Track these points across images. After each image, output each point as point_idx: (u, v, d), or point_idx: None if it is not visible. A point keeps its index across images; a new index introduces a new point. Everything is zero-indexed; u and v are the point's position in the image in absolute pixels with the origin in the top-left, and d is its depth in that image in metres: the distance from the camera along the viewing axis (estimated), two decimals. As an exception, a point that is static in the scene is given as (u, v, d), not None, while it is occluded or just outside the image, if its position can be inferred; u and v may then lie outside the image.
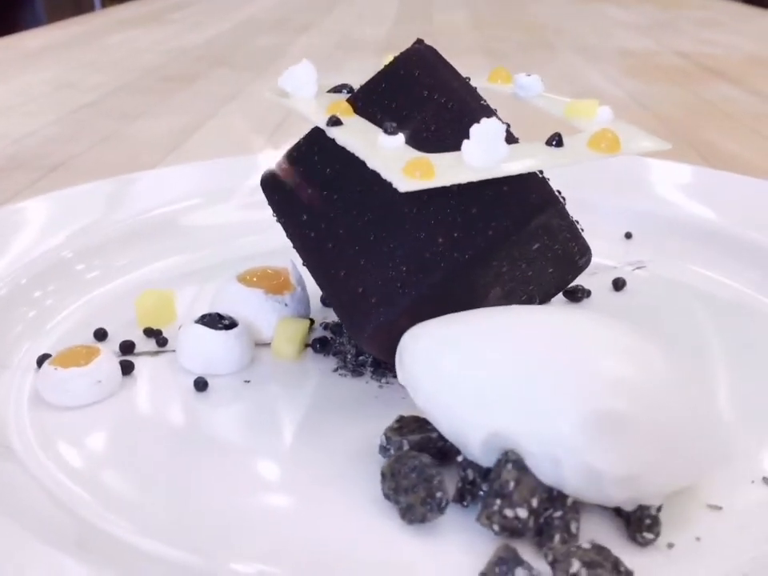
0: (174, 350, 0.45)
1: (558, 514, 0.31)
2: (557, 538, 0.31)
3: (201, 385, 0.42)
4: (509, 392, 0.32)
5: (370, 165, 0.37)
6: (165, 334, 0.47)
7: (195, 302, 0.51)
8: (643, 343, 0.33)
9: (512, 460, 0.32)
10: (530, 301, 0.42)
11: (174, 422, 0.41)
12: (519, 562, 0.29)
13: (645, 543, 0.32)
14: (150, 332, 0.47)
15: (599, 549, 0.30)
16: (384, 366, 0.43)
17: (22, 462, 0.37)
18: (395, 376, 0.40)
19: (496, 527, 0.31)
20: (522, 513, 0.31)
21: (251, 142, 0.81)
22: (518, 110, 0.45)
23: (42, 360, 0.43)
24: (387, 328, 0.38)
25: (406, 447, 0.35)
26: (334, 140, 0.40)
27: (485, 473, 0.33)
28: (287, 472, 0.37)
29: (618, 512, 0.33)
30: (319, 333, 0.47)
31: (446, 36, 1.43)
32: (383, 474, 0.34)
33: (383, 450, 0.36)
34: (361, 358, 0.44)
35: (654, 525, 0.32)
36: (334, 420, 0.40)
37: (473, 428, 0.32)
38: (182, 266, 0.56)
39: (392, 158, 0.37)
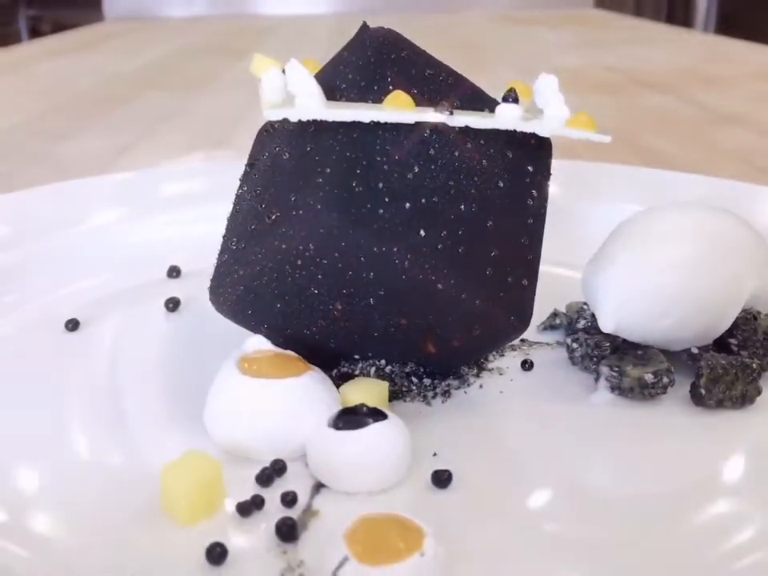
0: (321, 488, 0.33)
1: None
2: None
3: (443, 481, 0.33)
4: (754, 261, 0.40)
5: (543, 132, 0.39)
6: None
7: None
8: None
9: (755, 311, 0.40)
10: None
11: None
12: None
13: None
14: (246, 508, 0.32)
15: None
16: (460, 378, 0.41)
17: None
18: (477, 374, 0.41)
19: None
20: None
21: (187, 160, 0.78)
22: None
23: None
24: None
25: (667, 367, 0.39)
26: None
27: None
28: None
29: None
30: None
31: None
32: (707, 388, 0.37)
33: (654, 386, 0.38)
34: (432, 381, 0.40)
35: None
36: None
37: (732, 305, 0.39)
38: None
39: (552, 122, 0.39)
